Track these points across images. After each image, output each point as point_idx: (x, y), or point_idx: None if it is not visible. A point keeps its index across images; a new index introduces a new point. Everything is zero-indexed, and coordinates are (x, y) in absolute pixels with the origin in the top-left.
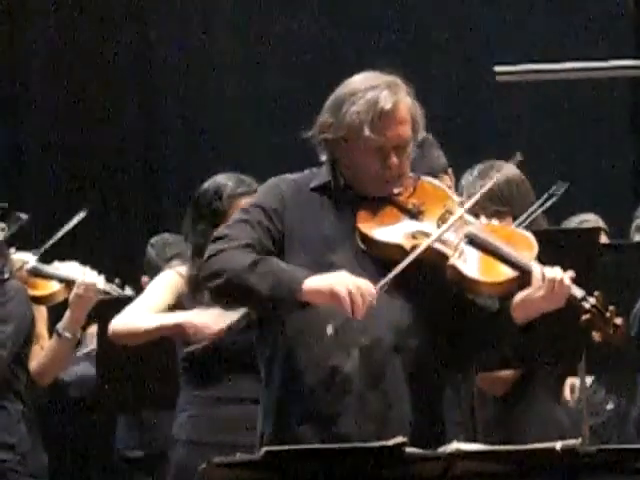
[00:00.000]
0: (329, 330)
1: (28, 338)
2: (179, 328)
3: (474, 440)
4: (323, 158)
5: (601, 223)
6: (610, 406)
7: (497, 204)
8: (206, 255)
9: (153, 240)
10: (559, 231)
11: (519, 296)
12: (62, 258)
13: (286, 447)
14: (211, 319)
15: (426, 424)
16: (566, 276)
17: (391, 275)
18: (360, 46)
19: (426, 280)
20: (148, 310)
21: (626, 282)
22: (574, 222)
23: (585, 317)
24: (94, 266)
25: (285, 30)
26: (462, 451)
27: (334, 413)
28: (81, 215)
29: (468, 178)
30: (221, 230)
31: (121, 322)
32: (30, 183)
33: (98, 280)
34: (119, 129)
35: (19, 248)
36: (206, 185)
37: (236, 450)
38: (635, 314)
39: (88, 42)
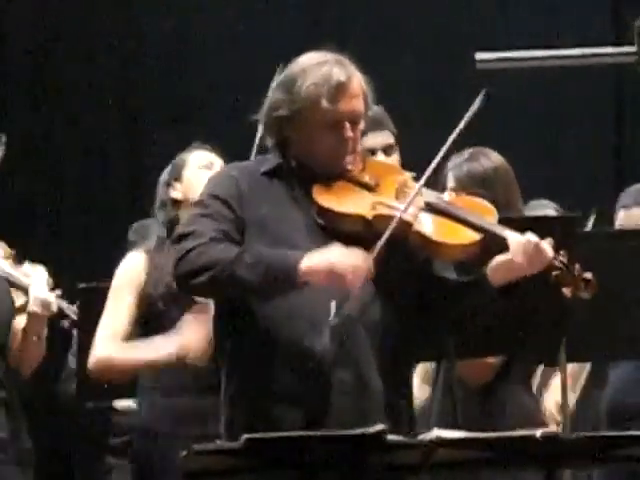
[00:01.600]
0: (332, 308)
1: (8, 327)
2: (177, 360)
3: (455, 428)
4: (270, 142)
5: (554, 206)
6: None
7: (480, 187)
8: (178, 255)
9: (136, 225)
10: (535, 218)
11: (497, 260)
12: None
13: (266, 434)
14: (198, 335)
15: (395, 399)
16: (542, 241)
17: (380, 243)
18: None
19: (388, 255)
20: (118, 335)
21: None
22: (529, 207)
23: (555, 274)
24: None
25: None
26: (442, 439)
27: (310, 394)
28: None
29: (456, 160)
30: (184, 228)
31: (100, 362)
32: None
33: (51, 297)
34: (101, 100)
35: None
36: None
37: (193, 441)
38: None
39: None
